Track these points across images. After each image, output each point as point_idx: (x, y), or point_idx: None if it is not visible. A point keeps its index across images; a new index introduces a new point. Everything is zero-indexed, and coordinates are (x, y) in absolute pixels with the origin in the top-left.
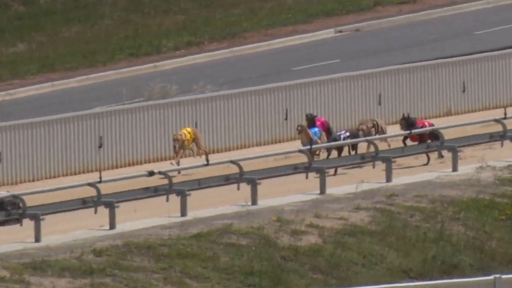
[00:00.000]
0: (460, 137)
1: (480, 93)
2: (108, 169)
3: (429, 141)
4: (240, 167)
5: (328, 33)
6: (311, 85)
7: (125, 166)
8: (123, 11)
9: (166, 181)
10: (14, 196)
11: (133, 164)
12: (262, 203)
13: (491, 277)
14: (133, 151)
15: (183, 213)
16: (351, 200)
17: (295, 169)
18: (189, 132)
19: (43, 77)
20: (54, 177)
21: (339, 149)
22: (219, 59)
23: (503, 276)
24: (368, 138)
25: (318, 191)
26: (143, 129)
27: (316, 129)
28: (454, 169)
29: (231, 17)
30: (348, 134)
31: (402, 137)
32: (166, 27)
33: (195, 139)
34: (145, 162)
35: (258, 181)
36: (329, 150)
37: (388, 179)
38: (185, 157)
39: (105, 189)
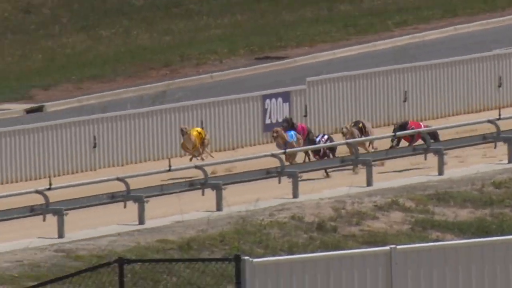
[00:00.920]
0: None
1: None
2: None
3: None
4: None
5: None
6: None
7: None
8: None
9: None
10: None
11: None
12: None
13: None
14: None
15: None
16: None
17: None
18: (199, 132)
19: (446, 21)
20: None
21: (319, 153)
22: None
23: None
24: (349, 140)
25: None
26: None
27: (292, 133)
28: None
29: None
30: (326, 137)
31: (389, 139)
32: None
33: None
34: None
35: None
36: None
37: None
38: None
39: None
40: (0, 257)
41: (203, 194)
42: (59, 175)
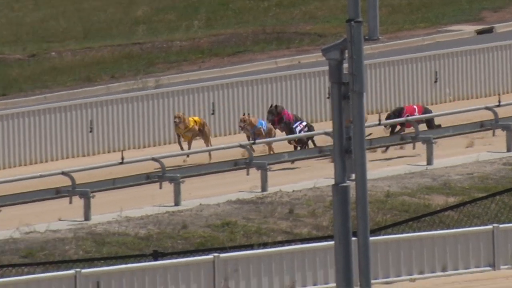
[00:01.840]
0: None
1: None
2: None
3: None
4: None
5: None
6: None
7: None
8: None
9: None
10: None
11: None
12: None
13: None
14: None
15: None
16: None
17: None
18: (195, 120)
19: None
20: None
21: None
22: None
23: None
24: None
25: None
26: None
27: (263, 122)
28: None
29: None
30: (304, 123)
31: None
32: None
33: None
34: None
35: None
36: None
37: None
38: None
39: None
40: (451, 170)
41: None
42: None
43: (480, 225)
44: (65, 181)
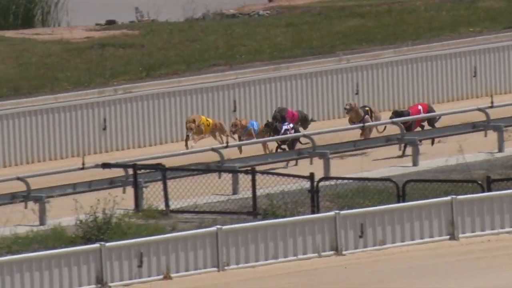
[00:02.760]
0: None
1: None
2: None
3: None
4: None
5: None
6: None
7: None
8: None
9: None
10: None
11: None
12: None
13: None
14: None
15: None
16: None
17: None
18: (207, 120)
19: None
20: None
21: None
22: None
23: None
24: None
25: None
26: None
27: (254, 122)
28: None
29: None
30: (291, 126)
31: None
32: None
33: (216, 130)
34: None
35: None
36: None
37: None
38: None
39: None
40: None
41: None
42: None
43: None
44: None
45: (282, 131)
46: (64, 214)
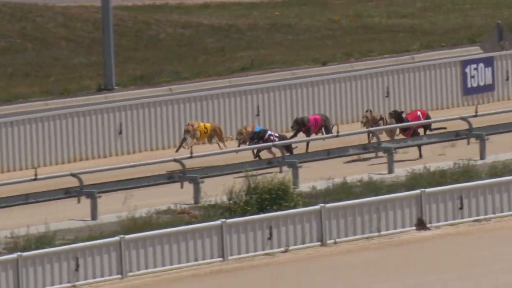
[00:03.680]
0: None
1: None
2: None
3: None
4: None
5: None
6: None
7: None
8: None
9: None
10: None
11: None
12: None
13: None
14: None
15: None
16: None
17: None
18: (205, 127)
19: None
20: None
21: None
22: None
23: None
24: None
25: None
26: None
27: (261, 128)
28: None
29: None
30: (276, 134)
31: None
32: None
33: (214, 135)
34: None
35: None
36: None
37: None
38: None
39: None
40: None
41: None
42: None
43: None
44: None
45: (266, 136)
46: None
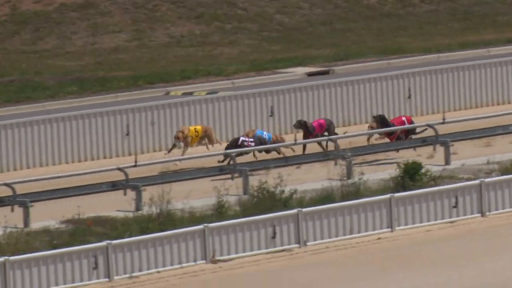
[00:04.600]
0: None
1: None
2: None
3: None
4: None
5: None
6: None
7: None
8: None
9: None
10: None
11: None
12: None
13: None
14: None
15: None
16: None
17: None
18: (196, 130)
19: None
20: None
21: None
22: None
23: None
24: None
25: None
26: None
27: (263, 132)
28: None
29: None
30: (251, 140)
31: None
32: None
33: (205, 136)
34: None
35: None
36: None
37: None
38: None
39: None
40: None
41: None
42: None
43: None
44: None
45: (239, 142)
46: None
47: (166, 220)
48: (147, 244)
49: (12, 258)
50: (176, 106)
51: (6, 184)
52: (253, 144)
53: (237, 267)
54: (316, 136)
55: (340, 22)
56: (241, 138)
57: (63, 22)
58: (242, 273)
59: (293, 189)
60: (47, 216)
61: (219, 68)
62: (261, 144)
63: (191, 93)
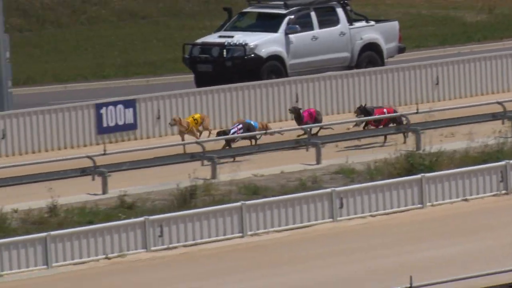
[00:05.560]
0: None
1: None
2: None
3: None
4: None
5: None
6: None
7: None
8: None
9: None
10: None
11: None
12: None
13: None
14: None
15: None
16: None
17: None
18: (194, 118)
19: None
20: None
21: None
22: None
23: None
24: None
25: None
26: None
27: (251, 121)
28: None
29: None
30: (240, 126)
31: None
32: None
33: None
34: None
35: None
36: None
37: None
38: None
39: None
40: None
41: None
42: None
43: None
44: None
45: (231, 133)
46: None
47: None
48: None
49: None
50: None
51: None
52: (241, 131)
53: None
54: (307, 124)
55: None
56: (232, 130)
57: None
58: None
59: None
60: None
61: None
62: (248, 131)
63: None
